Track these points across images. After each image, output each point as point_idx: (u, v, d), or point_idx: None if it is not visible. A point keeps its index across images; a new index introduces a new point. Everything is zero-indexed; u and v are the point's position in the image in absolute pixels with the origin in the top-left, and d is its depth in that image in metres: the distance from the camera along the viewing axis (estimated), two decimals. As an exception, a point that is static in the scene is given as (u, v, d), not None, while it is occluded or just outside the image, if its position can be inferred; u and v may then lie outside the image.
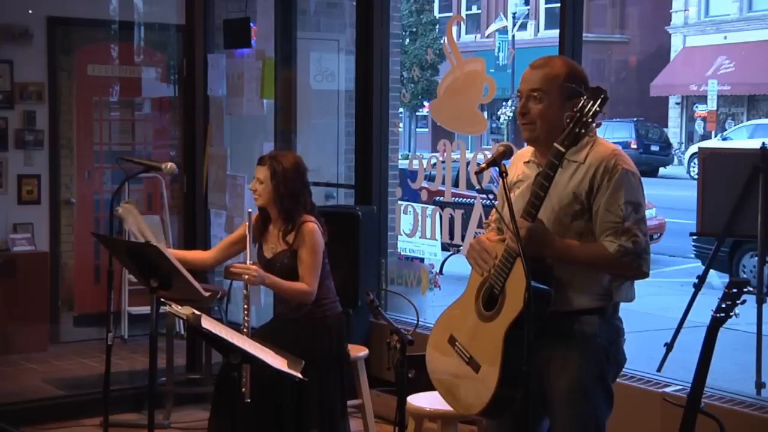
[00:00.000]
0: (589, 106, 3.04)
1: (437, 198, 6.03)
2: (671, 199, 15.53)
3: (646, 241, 3.17)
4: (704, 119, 27.22)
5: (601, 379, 3.26)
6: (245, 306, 4.34)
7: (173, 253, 4.48)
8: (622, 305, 3.32)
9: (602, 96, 3.05)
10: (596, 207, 3.18)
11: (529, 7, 29.30)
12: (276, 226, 4.62)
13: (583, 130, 3.04)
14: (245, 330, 4.27)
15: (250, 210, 4.54)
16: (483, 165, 3.23)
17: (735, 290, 3.55)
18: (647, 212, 3.35)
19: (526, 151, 3.42)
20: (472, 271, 3.34)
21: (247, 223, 4.50)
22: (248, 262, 4.40)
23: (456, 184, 6.00)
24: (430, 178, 6.02)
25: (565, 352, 3.23)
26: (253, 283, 4.37)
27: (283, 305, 4.65)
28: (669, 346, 5.55)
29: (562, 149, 3.06)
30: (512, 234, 3.06)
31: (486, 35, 28.09)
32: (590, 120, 3.04)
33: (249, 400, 4.21)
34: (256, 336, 4.40)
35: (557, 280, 3.18)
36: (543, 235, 3.11)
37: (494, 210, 3.44)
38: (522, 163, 3.40)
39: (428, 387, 3.90)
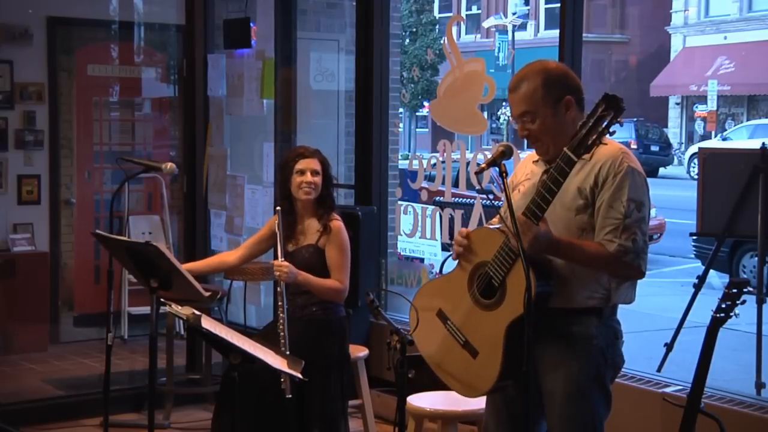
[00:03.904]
0: (609, 119, 2.97)
1: (437, 198, 6.02)
2: (671, 199, 15.51)
3: (645, 241, 3.18)
4: (704, 119, 27.20)
5: (598, 381, 3.26)
6: (279, 303, 4.31)
7: (194, 265, 4.48)
8: (622, 306, 3.33)
9: (618, 106, 2.98)
10: (599, 202, 3.18)
11: (529, 7, 29.28)
12: (302, 221, 4.61)
13: (598, 140, 3.00)
14: (281, 326, 4.25)
15: (278, 207, 4.51)
16: (483, 165, 3.23)
17: (735, 290, 3.54)
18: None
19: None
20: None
21: (277, 221, 4.46)
22: (280, 258, 4.38)
23: (456, 185, 6.00)
24: (430, 179, 6.01)
25: (561, 353, 3.23)
26: (285, 280, 4.35)
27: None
28: (669, 346, 5.55)
29: (575, 158, 3.02)
30: (512, 234, 3.07)
31: (486, 29, 28.06)
32: (607, 132, 3.00)
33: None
34: (259, 336, 4.40)
35: (556, 277, 3.20)
36: (548, 241, 3.10)
37: (499, 213, 3.41)
38: (531, 162, 3.41)
39: (428, 387, 3.90)
